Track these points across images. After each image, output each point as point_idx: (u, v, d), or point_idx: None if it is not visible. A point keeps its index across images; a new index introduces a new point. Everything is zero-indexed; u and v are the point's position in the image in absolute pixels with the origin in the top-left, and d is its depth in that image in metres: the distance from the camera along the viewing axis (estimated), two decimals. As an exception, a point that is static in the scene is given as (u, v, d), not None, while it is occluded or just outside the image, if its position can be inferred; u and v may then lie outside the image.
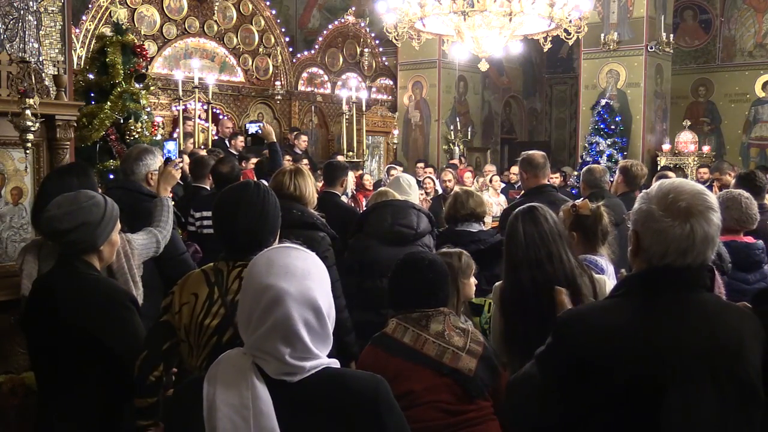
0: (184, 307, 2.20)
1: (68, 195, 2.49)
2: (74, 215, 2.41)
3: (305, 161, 9.63)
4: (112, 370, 2.35)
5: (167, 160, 4.17)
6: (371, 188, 8.96)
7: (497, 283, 2.97)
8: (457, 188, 4.67)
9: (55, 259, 2.57)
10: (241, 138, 10.04)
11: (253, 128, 10.67)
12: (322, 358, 1.58)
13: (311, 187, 3.78)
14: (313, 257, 1.66)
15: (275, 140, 5.97)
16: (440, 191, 9.21)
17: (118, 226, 2.59)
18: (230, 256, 2.23)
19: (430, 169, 10.81)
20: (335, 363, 1.62)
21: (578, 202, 3.40)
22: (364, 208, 5.61)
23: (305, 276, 1.58)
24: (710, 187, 4.26)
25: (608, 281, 3.00)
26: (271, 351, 1.54)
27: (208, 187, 5.49)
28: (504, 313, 2.84)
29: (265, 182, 2.60)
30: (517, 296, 2.75)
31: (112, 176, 5.06)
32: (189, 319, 2.18)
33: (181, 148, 8.24)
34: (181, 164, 6.07)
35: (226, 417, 1.49)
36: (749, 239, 3.99)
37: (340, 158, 9.38)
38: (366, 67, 13.98)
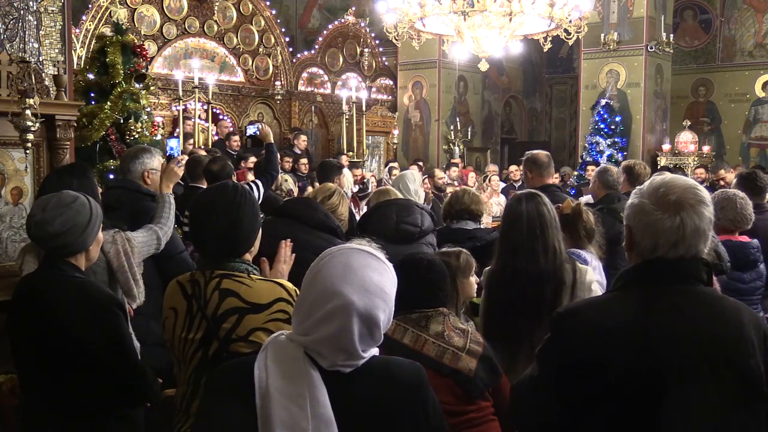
0: (165, 322, 2.17)
1: (50, 197, 2.44)
2: (65, 217, 2.38)
3: (304, 161, 9.65)
4: (97, 376, 2.33)
5: (170, 158, 4.17)
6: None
7: (487, 267, 3.05)
8: (453, 188, 4.70)
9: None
10: (235, 138, 10.02)
11: (251, 130, 10.65)
12: (369, 353, 1.61)
13: (347, 213, 3.89)
14: (389, 269, 1.65)
15: (273, 141, 5.99)
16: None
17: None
18: (206, 264, 2.16)
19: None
20: (377, 351, 1.64)
21: (582, 199, 3.46)
22: (367, 207, 5.62)
23: (377, 293, 1.58)
24: (709, 188, 4.21)
25: (590, 271, 3.05)
26: (325, 354, 1.55)
27: (204, 187, 5.49)
28: (489, 295, 2.99)
29: (252, 184, 2.58)
30: (507, 281, 2.88)
31: (112, 176, 5.06)
32: (171, 333, 2.14)
33: (182, 149, 8.24)
34: (183, 162, 6.07)
35: (282, 406, 1.48)
36: (744, 238, 4.01)
37: (344, 159, 9.38)
38: (366, 67, 13.98)
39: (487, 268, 3.09)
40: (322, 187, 4.03)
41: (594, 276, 3.07)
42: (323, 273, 1.58)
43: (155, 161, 3.76)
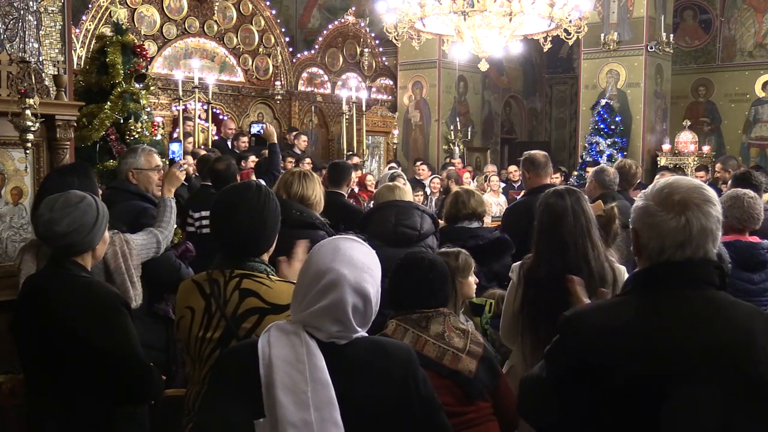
0: (181, 321, 2.17)
1: (58, 196, 2.46)
2: (72, 217, 2.39)
3: (308, 161, 9.66)
4: (104, 375, 2.34)
5: (171, 161, 4.18)
6: (373, 189, 8.96)
7: (516, 264, 2.94)
8: (457, 188, 4.69)
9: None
10: (243, 139, 10.03)
11: (255, 128, 10.70)
12: (362, 331, 1.77)
13: (318, 191, 3.74)
14: (373, 254, 1.81)
15: (276, 141, 6.00)
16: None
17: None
18: (226, 263, 2.17)
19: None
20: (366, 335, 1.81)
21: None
22: (370, 207, 5.62)
23: (364, 269, 1.73)
24: (712, 185, 4.20)
25: (625, 270, 2.99)
26: (321, 327, 1.69)
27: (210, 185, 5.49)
28: (527, 292, 2.82)
29: (265, 184, 2.59)
30: (554, 279, 2.71)
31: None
32: (187, 333, 2.15)
33: (184, 149, 8.25)
34: (185, 165, 6.07)
35: (283, 371, 1.63)
36: (754, 239, 3.95)
37: (356, 159, 9.36)
38: (366, 67, 13.97)
39: (517, 263, 2.95)
40: (280, 179, 3.89)
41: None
42: (315, 259, 1.75)
43: (140, 160, 3.76)
